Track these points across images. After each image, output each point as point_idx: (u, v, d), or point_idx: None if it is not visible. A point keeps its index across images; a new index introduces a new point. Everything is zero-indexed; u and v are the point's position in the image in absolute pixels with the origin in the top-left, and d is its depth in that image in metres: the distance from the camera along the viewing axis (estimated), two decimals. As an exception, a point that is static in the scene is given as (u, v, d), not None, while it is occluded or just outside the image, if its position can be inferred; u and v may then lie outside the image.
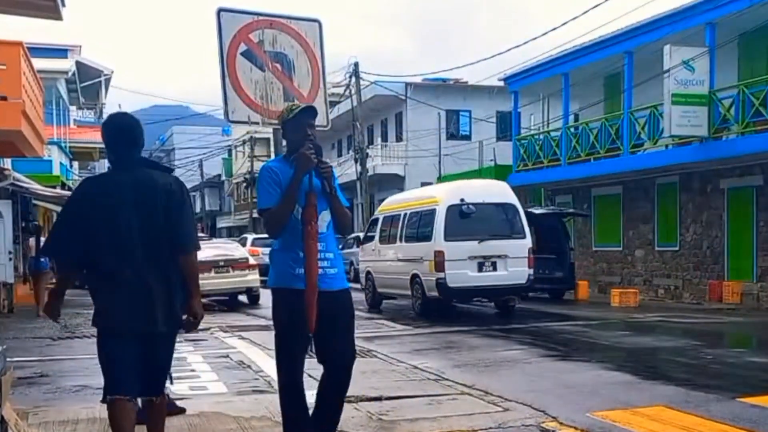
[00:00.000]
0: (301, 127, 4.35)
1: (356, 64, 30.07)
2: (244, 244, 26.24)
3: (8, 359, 5.15)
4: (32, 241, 18.80)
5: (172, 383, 6.38)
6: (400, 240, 15.63)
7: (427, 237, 14.48)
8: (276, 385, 7.26)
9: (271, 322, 15.28)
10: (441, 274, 13.81)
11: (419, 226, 15.03)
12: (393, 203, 17.43)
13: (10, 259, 16.48)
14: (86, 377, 7.87)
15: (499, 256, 14.07)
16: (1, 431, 4.72)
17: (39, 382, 7.69)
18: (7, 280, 16.62)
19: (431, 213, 14.53)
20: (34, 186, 19.39)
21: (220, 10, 5.49)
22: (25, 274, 18.33)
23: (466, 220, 14.08)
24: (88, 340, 11.61)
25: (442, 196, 14.79)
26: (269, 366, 8.65)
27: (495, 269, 14.00)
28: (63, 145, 28.48)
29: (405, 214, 15.78)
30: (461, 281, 13.81)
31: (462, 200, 14.32)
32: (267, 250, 30.53)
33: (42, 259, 16.22)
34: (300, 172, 4.23)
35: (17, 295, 17.79)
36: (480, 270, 13.99)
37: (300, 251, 4.21)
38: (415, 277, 14.64)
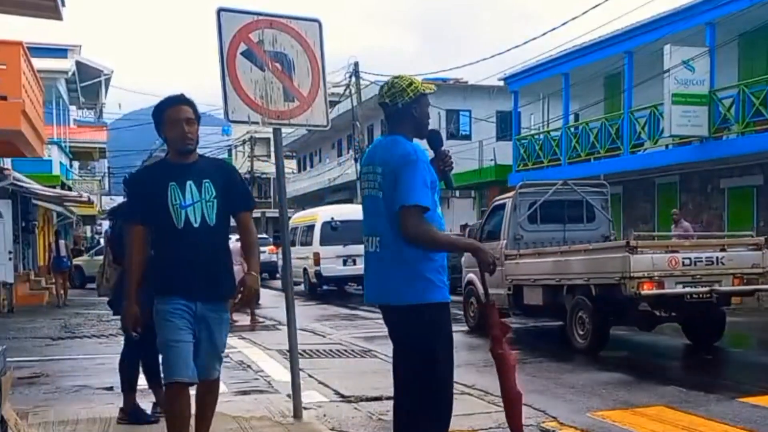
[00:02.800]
0: (427, 108, 3.71)
1: (356, 64, 30.06)
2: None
3: (8, 359, 5.16)
4: (60, 242, 20.19)
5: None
6: (298, 244, 21.61)
7: (310, 243, 21.25)
8: (276, 386, 7.31)
9: (273, 322, 15.17)
10: (318, 267, 20.73)
11: (306, 235, 21.88)
12: (295, 218, 23.61)
13: (10, 258, 16.49)
14: (86, 377, 7.89)
15: (358, 255, 18.08)
16: (1, 431, 4.72)
17: (39, 382, 7.69)
18: (7, 279, 16.63)
19: (312, 227, 21.42)
20: (34, 186, 19.39)
21: (220, 10, 5.48)
22: (48, 269, 21.41)
23: (335, 232, 20.48)
24: (88, 340, 11.62)
25: (320, 215, 21.88)
26: (269, 366, 8.65)
27: (355, 264, 19.43)
28: (63, 144, 28.49)
29: (299, 226, 22.32)
30: (332, 272, 20.53)
31: (332, 219, 20.96)
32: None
33: (64, 259, 19.37)
34: (483, 269, 3.64)
35: (17, 294, 17.79)
36: (344, 264, 20.34)
37: (437, 257, 3.63)
38: (305, 269, 21.40)
